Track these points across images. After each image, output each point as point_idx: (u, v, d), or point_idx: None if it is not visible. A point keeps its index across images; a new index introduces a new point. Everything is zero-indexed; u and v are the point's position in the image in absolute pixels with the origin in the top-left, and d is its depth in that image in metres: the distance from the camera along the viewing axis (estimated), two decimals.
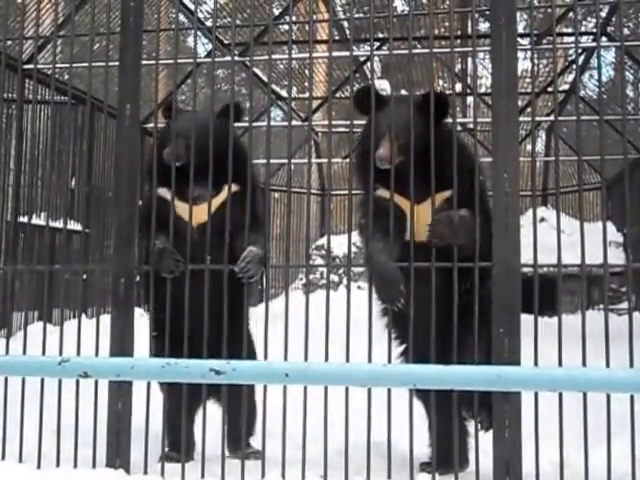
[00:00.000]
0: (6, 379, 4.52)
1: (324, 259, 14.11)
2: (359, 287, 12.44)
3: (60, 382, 4.39)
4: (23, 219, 9.04)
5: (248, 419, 4.58)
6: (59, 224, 9.82)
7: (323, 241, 15.56)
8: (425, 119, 4.16)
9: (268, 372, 2.22)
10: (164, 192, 4.56)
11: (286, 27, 13.08)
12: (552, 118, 14.15)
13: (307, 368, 2.25)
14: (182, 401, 4.35)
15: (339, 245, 11.07)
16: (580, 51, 12.56)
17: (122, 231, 4.48)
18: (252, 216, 4.44)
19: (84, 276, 8.50)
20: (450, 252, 4.05)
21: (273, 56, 11.60)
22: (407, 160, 4.13)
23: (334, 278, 14.37)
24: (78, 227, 10.59)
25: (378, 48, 12.13)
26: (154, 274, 4.48)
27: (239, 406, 4.35)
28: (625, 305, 13.20)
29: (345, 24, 12.97)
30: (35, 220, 9.30)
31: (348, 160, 5.10)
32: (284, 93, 14.78)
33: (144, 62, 4.68)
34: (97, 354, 4.32)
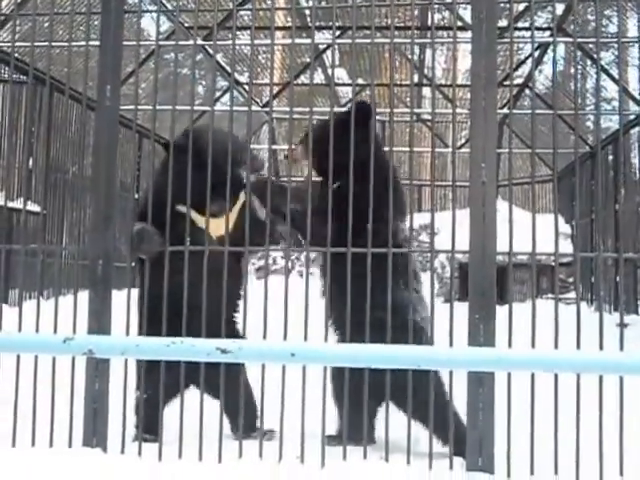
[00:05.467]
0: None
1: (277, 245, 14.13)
2: (311, 273, 12.54)
3: (36, 360, 4.41)
4: None
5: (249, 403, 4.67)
6: (17, 204, 9.74)
7: None
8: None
9: (274, 352, 2.26)
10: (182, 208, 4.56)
11: (245, 12, 13.08)
12: (507, 111, 14.36)
13: (314, 348, 2.30)
14: (166, 384, 4.39)
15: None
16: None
17: (100, 212, 4.49)
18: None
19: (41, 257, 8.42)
20: None
21: (230, 42, 11.61)
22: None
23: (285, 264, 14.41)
24: (36, 208, 10.51)
25: (338, 36, 12.22)
26: (134, 257, 4.52)
27: (236, 390, 4.41)
28: (572, 295, 13.50)
29: (306, 10, 13.00)
30: None
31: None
32: (241, 79, 14.78)
33: (125, 43, 4.67)
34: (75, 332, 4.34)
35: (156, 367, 4.39)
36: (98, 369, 4.37)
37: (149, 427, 4.61)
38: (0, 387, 4.53)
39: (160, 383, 4.38)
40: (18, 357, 4.38)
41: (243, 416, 4.41)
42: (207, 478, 3.94)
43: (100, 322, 4.39)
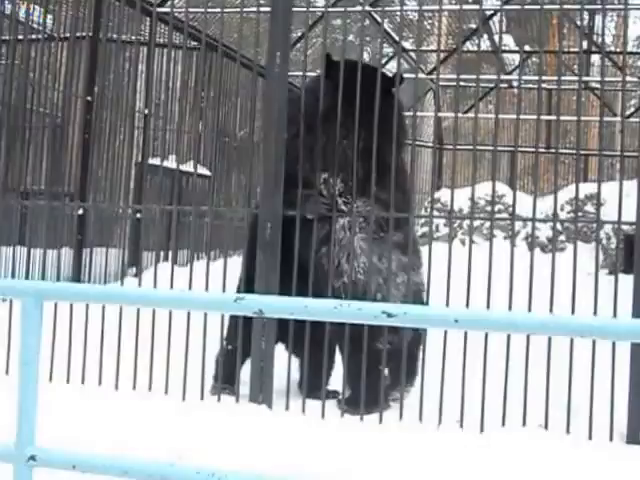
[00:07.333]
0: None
1: (439, 212, 14.08)
2: (474, 242, 12.44)
3: (205, 318, 4.60)
4: (153, 161, 9.33)
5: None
6: (187, 167, 10.06)
7: (438, 195, 15.52)
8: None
9: (439, 317, 2.29)
10: None
11: None
12: None
13: (478, 315, 2.31)
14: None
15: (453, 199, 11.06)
16: None
17: (269, 177, 4.62)
18: None
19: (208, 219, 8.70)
20: None
21: (397, 7, 11.58)
22: None
23: (448, 231, 14.38)
24: (205, 171, 10.83)
25: (505, 2, 12.00)
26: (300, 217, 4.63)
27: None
28: None
29: None
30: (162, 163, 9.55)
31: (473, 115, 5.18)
32: (404, 45, 14.72)
33: (295, 9, 4.75)
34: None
35: (248, 323, 4.56)
36: (265, 329, 4.51)
37: (228, 378, 4.75)
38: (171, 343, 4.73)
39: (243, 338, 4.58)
40: (188, 314, 4.57)
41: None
42: (369, 439, 4.03)
43: (268, 283, 4.53)
